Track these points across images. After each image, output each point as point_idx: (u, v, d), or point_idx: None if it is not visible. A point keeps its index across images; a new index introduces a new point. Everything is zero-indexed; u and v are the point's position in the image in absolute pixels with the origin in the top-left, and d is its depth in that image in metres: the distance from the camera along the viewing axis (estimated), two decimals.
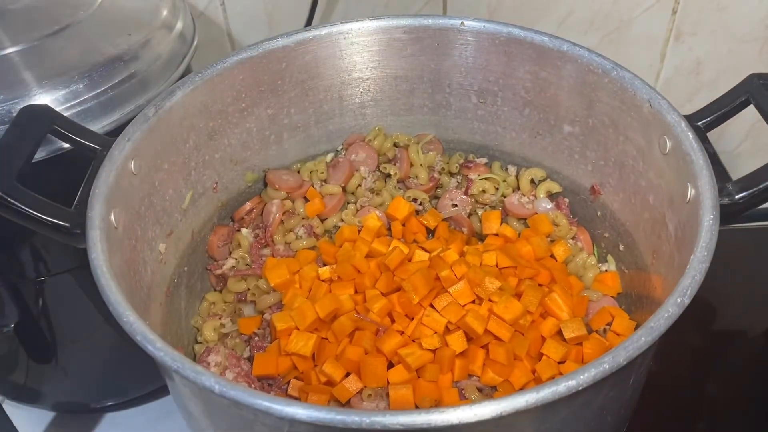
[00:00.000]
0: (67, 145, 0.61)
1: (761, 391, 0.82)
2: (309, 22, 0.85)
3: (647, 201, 0.65)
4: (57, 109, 0.62)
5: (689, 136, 0.58)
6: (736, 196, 0.55)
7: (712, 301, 0.92)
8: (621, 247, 0.71)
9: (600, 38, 0.92)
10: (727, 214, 0.54)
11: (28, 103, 0.61)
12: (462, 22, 0.71)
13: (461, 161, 0.80)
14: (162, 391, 0.81)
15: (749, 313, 0.90)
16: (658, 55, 0.94)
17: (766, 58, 0.93)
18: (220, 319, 0.70)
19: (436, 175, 0.80)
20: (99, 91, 0.65)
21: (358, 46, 0.73)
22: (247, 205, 0.76)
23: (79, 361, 0.75)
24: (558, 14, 0.90)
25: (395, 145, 0.80)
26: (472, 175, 0.79)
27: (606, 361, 0.43)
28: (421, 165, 0.79)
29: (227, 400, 0.44)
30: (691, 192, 0.56)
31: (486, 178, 0.78)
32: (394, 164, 0.79)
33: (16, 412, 0.79)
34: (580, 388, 0.43)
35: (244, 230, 0.74)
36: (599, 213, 0.73)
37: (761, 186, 0.55)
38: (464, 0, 0.88)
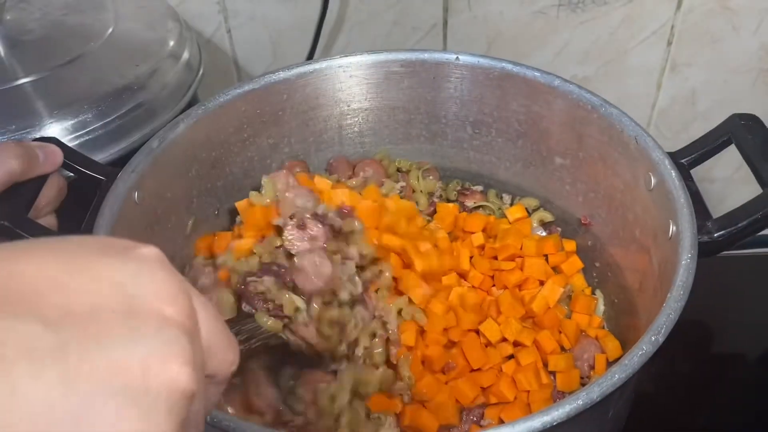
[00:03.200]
0: (73, 175, 0.63)
1: (757, 415, 0.83)
2: (312, 52, 0.88)
3: (634, 234, 0.67)
4: (66, 139, 0.65)
5: (672, 174, 0.60)
6: (715, 234, 0.57)
7: (709, 325, 0.93)
8: (609, 275, 0.73)
9: (596, 68, 0.94)
10: (706, 251, 0.56)
11: (39, 135, 0.64)
12: (457, 57, 0.74)
13: (458, 188, 0.82)
14: None
15: (746, 338, 0.92)
16: (654, 85, 0.96)
17: (759, 90, 0.95)
18: None
19: (435, 200, 0.82)
20: (107, 120, 0.68)
21: (357, 79, 0.75)
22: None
23: None
24: (555, 45, 0.92)
25: (398, 170, 0.82)
26: (468, 202, 0.81)
27: (580, 398, 0.46)
28: (421, 191, 0.81)
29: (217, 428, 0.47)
30: (672, 228, 0.58)
31: (481, 206, 0.80)
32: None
33: None
34: (555, 424, 0.45)
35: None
36: (589, 243, 0.75)
37: (739, 225, 0.57)
38: (463, 31, 0.90)
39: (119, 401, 0.23)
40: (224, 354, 0.30)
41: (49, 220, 0.60)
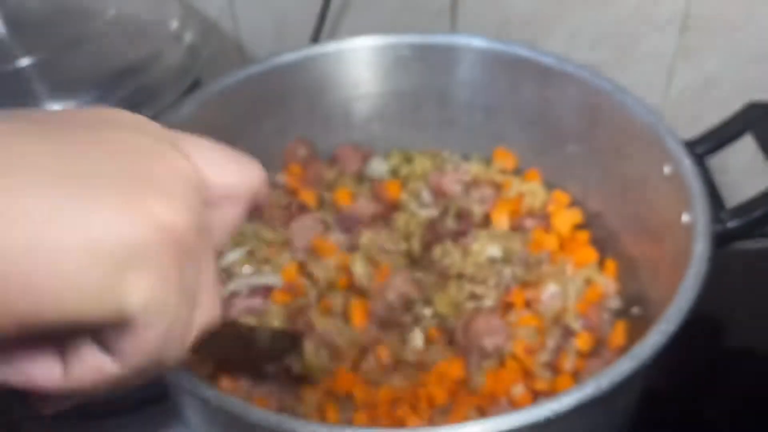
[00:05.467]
0: None
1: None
2: (316, 36, 0.86)
3: (647, 224, 0.66)
4: None
5: (687, 163, 0.59)
6: (728, 224, 0.56)
7: (721, 320, 0.92)
8: (622, 267, 0.72)
9: (609, 54, 0.92)
10: (720, 240, 0.55)
11: None
12: (469, 41, 0.72)
13: None
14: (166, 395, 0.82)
15: (757, 331, 0.91)
16: (667, 71, 0.94)
17: None
18: None
19: None
20: (108, 103, 0.67)
21: (365, 62, 0.74)
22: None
23: None
24: (566, 30, 0.90)
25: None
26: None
27: (589, 386, 0.45)
28: None
29: (223, 411, 0.46)
30: (686, 218, 0.57)
31: None
32: None
33: None
34: (563, 412, 0.44)
35: None
36: (602, 233, 0.74)
37: (754, 215, 0.56)
38: (472, 16, 0.89)
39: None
40: (230, 172, 0.34)
41: None
